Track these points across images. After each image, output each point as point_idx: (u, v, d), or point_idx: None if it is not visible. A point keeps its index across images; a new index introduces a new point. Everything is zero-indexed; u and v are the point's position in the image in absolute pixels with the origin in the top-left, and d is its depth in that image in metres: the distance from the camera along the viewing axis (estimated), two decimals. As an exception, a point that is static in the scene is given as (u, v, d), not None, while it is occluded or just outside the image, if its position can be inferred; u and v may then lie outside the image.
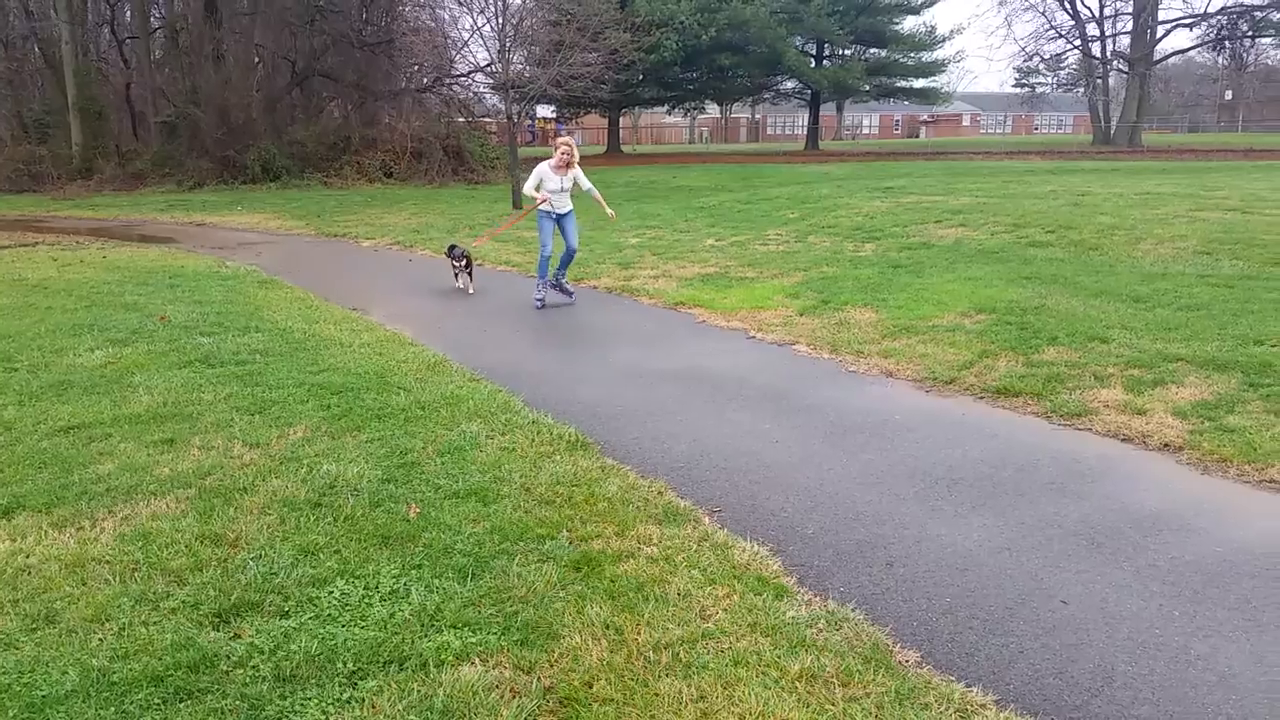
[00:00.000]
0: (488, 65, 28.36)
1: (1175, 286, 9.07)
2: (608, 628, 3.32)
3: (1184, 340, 7.20)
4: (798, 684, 2.98)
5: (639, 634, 3.28)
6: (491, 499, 4.46)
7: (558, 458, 5.06)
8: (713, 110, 66.80)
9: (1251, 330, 7.36)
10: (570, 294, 10.39)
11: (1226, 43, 50.94)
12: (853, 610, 3.49)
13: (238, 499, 4.50)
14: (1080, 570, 3.90)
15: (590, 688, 2.99)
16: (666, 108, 52.97)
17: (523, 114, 25.24)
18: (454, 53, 29.97)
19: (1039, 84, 54.28)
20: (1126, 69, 48.58)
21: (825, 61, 46.50)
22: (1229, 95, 62.72)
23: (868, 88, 46.54)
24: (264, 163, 28.32)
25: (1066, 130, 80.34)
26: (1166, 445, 5.37)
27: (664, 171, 30.41)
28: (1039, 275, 9.92)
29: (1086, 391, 6.25)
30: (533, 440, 5.33)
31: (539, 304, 9.99)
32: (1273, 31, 48.77)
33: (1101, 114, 50.31)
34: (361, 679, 3.06)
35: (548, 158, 10.10)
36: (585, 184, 9.94)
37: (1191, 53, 57.40)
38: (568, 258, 10.24)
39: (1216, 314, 7.94)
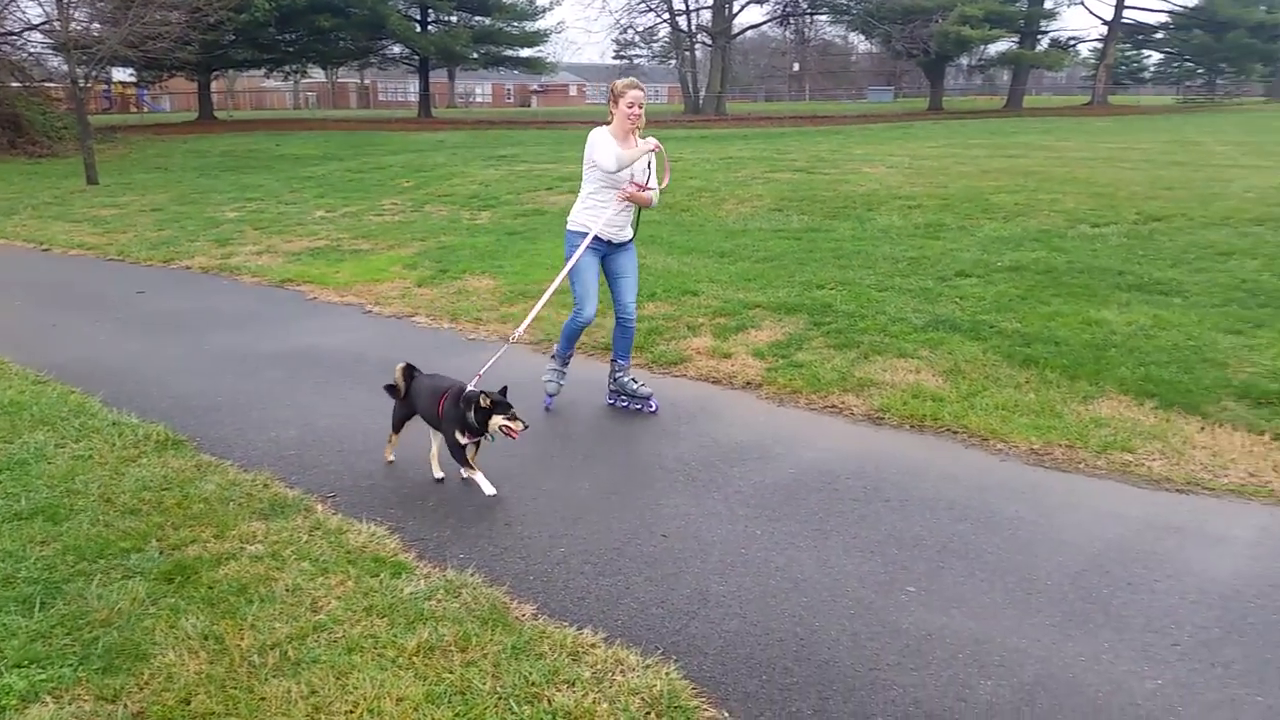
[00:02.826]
0: (44, 23, 24.73)
1: (753, 241, 10.09)
2: (206, 638, 3.07)
3: (761, 288, 8.02)
4: (415, 659, 2.95)
5: (242, 639, 3.06)
6: (63, 516, 3.93)
7: (145, 460, 4.57)
8: (318, 74, 63.45)
9: (814, 276, 8.38)
10: (648, 399, 5.58)
11: (791, 18, 57.18)
12: (471, 575, 3.51)
13: None
14: (678, 504, 4.23)
15: (188, 704, 2.75)
16: (265, 71, 49.36)
17: (93, 78, 22.28)
18: (0, 7, 25.73)
19: (636, 56, 57.43)
20: (710, 42, 52.85)
21: (431, 27, 45.83)
22: (796, 67, 70.46)
23: (475, 55, 46.57)
24: None
25: (662, 100, 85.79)
26: (749, 383, 5.98)
27: (266, 139, 28.45)
28: (639, 237, 10.52)
29: (681, 341, 6.77)
30: (114, 444, 4.77)
31: (549, 401, 5.66)
32: (827, 9, 55.46)
33: (690, 85, 54.42)
34: (-106, 748, 2.58)
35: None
36: (654, 181, 5.55)
37: (764, 27, 63.58)
38: (622, 332, 5.66)
39: (787, 263, 8.93)
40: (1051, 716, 2.81)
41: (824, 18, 59.01)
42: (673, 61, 57.70)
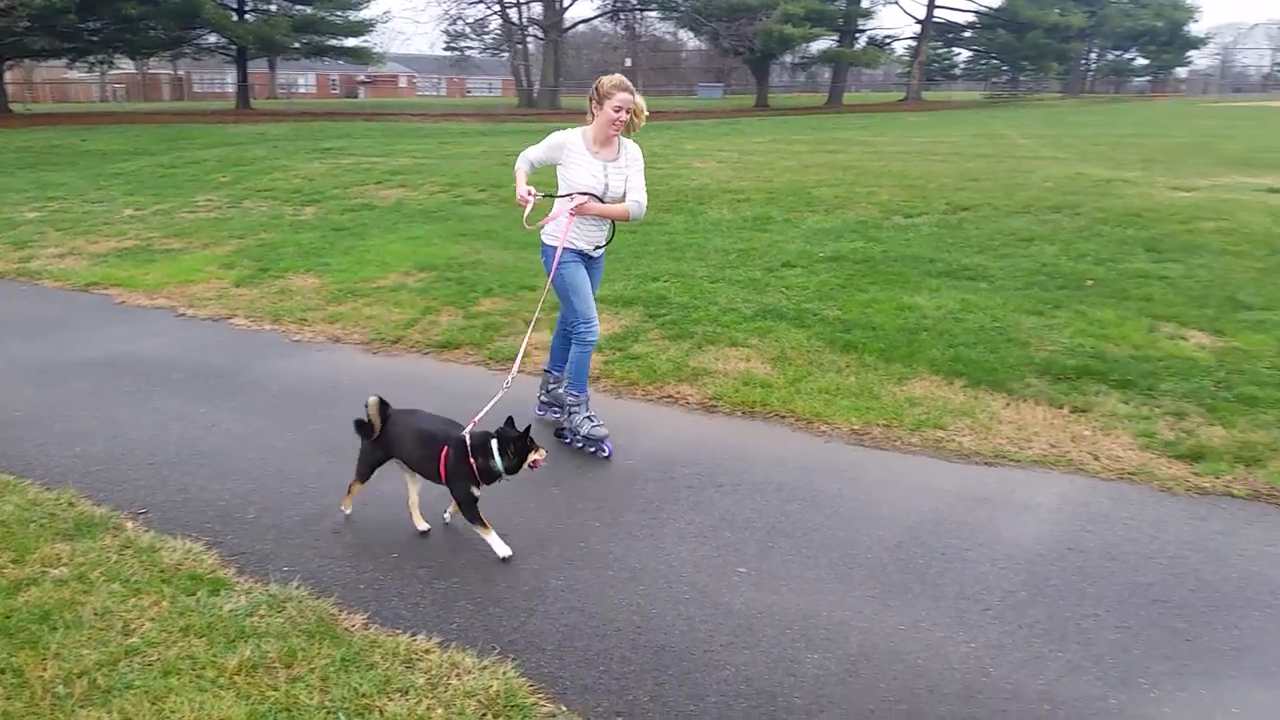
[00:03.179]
0: None
1: (589, 234, 10.11)
2: (3, 671, 2.83)
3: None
4: (236, 678, 2.82)
5: (45, 669, 2.84)
6: None
7: (-71, 484, 4.19)
8: (127, 65, 59.52)
9: (649, 269, 8.49)
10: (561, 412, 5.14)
11: (621, 14, 57.66)
12: (297, 588, 3.38)
13: None
14: (516, 500, 4.19)
15: (-20, 747, 2.54)
16: (66, 61, 45.87)
17: None
18: None
19: (467, 48, 56.58)
20: (542, 35, 52.65)
21: (248, 15, 43.75)
22: (628, 62, 71.10)
23: (297, 45, 44.81)
24: None
25: (496, 93, 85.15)
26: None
27: (69, 134, 26.42)
28: (474, 231, 10.43)
29: (519, 336, 6.71)
30: (-110, 468, 4.34)
31: (609, 449, 4.78)
32: (655, 5, 56.19)
33: (524, 78, 54.09)
34: None
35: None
36: (638, 186, 4.83)
37: (595, 22, 63.92)
38: (566, 339, 5.15)
39: (623, 257, 9.00)
40: (874, 684, 2.95)
41: (653, 14, 59.82)
42: (505, 54, 57.18)
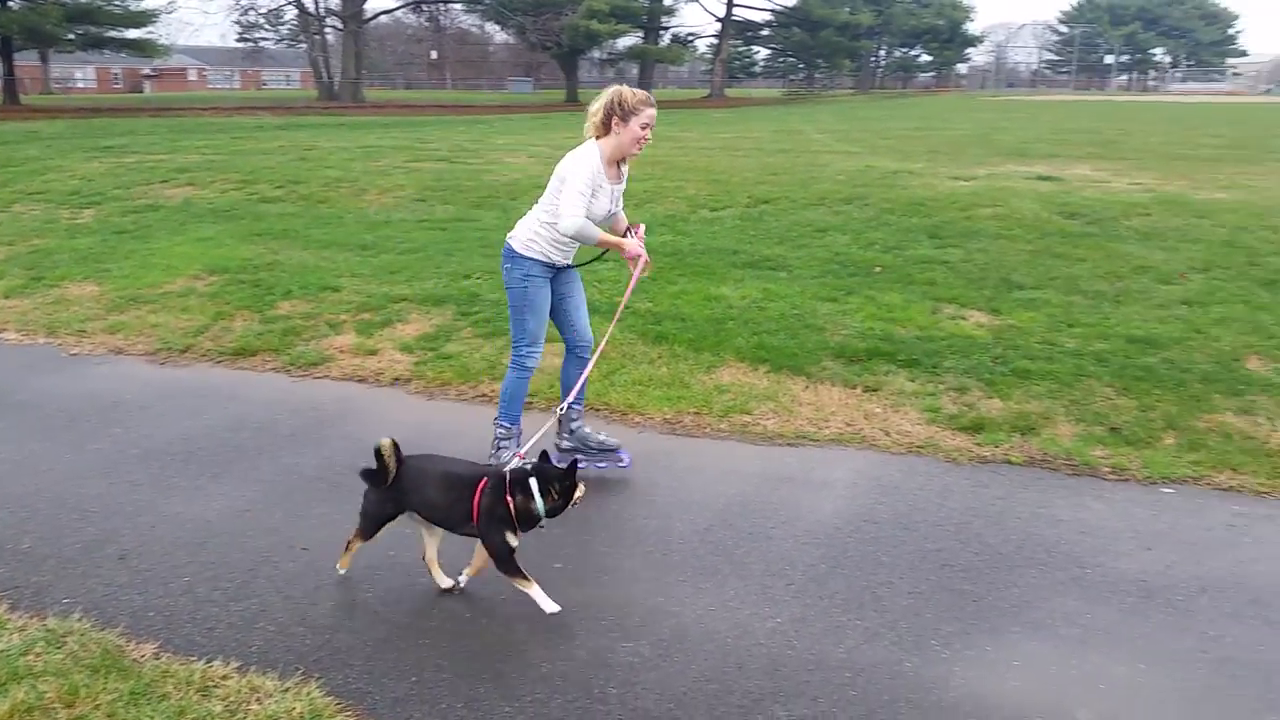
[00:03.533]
0: None
1: (397, 232, 9.87)
2: None
3: (406, 281, 7.87)
4: (7, 726, 2.58)
5: None
6: None
7: None
8: None
9: (461, 266, 8.35)
10: (615, 451, 4.60)
11: (424, 6, 56.45)
12: (79, 620, 3.13)
13: None
14: (321, 513, 4.04)
15: None
16: None
17: None
18: None
19: (261, 39, 53.95)
20: (341, 26, 50.84)
21: (11, 3, 40.01)
22: (434, 55, 69.75)
23: (71, 36, 41.37)
24: None
25: (295, 85, 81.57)
26: (397, 379, 5.86)
27: None
28: (271, 231, 9.95)
29: (322, 340, 6.48)
30: None
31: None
32: (459, -3, 55.37)
33: (324, 70, 52.09)
34: None
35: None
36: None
37: (398, 13, 62.24)
38: (579, 364, 4.59)
39: (433, 254, 8.83)
40: (686, 667, 3.02)
41: (458, 6, 58.90)
42: (302, 45, 54.92)
